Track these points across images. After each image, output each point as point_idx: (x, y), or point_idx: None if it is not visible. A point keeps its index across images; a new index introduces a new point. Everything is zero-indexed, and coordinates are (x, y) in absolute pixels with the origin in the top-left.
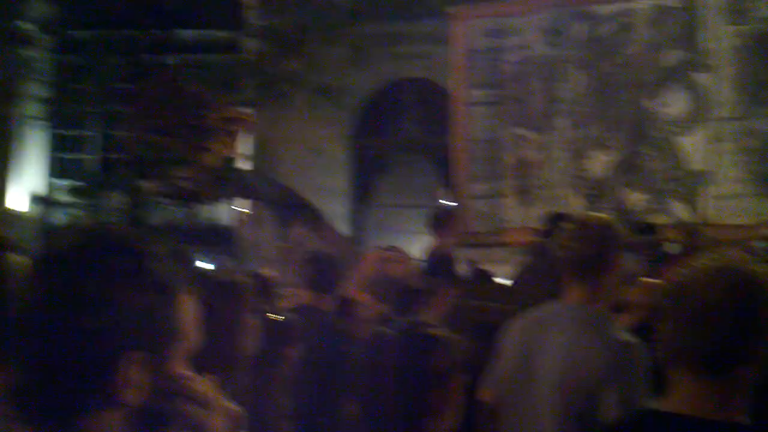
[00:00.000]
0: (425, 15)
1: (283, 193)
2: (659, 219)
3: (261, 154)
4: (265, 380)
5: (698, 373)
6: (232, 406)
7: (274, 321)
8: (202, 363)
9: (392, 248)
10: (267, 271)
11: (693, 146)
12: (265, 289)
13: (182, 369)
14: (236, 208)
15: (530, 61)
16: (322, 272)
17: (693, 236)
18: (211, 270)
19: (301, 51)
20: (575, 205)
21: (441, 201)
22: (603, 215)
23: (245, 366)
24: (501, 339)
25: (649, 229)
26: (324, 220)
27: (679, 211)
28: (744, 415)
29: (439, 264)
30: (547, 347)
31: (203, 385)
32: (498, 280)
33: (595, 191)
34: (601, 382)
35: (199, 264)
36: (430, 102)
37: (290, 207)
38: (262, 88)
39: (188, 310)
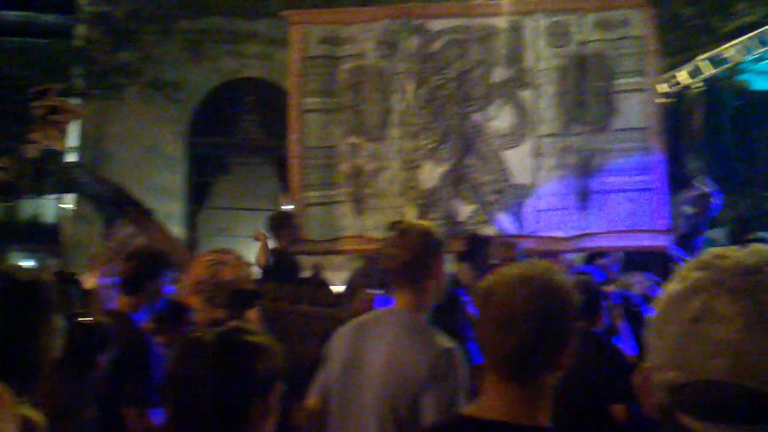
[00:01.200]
0: (265, 14)
1: (110, 190)
2: (487, 230)
3: (89, 148)
4: (71, 387)
5: (505, 379)
6: (31, 414)
7: (84, 324)
8: None
9: (225, 251)
10: (87, 272)
11: (518, 160)
12: (71, 290)
13: None
14: (61, 205)
15: (364, 70)
16: (141, 273)
17: (511, 248)
18: (7, 268)
19: (135, 41)
20: (408, 214)
21: (282, 206)
22: (424, 223)
23: (48, 372)
24: (328, 346)
25: (481, 240)
26: (154, 220)
27: (505, 222)
28: (548, 420)
29: (279, 267)
30: (371, 353)
31: None
32: (334, 287)
33: (427, 201)
34: (422, 388)
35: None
36: (271, 103)
37: (117, 204)
38: (92, 78)
39: None
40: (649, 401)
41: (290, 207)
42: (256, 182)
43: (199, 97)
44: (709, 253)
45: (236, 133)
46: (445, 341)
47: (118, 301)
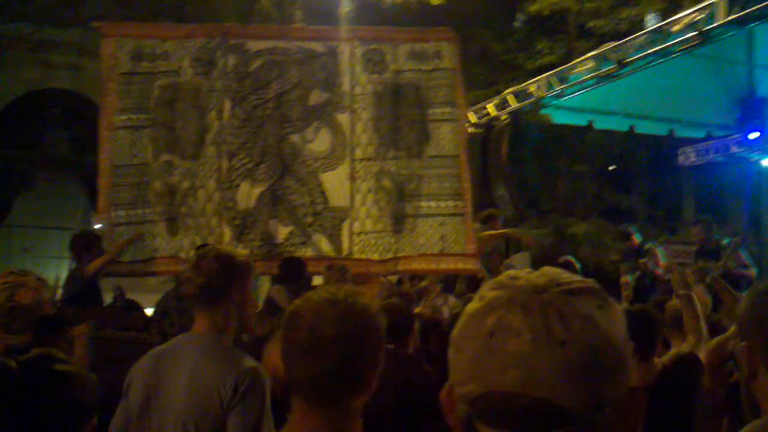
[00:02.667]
0: (75, 24)
1: None
2: (305, 252)
3: None
4: None
5: (310, 402)
6: None
7: None
8: None
9: (23, 273)
10: None
11: (335, 183)
12: None
13: None
14: None
15: (179, 87)
16: None
17: (341, 272)
18: None
19: None
20: (225, 235)
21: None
22: (225, 247)
23: None
24: (130, 373)
25: (296, 262)
26: None
27: (323, 245)
28: None
29: (79, 290)
30: (172, 380)
31: None
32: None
33: (244, 222)
34: (226, 409)
35: None
36: (81, 116)
37: None
38: None
39: None
40: (454, 417)
41: (99, 227)
42: (63, 199)
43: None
44: (505, 275)
45: (41, 146)
46: (248, 361)
47: None
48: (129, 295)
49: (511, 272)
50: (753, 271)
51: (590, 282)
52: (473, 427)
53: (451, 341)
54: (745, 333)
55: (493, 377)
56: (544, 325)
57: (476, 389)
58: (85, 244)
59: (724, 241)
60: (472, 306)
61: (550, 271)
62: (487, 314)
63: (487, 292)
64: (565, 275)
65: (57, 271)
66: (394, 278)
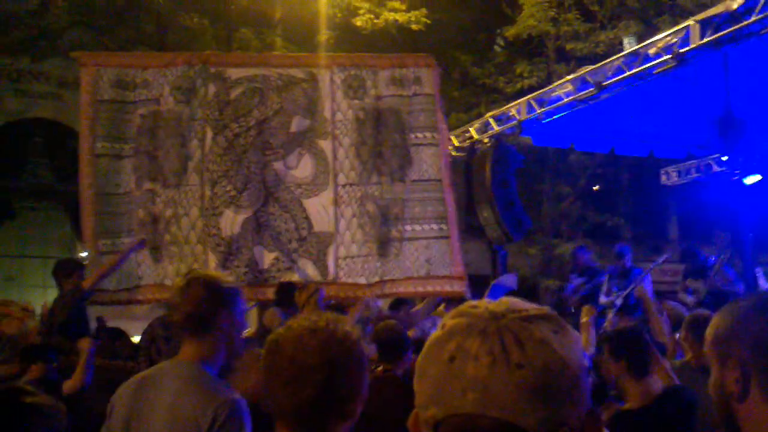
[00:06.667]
0: (55, 55)
1: None
2: (291, 277)
3: None
4: None
5: (293, 430)
6: None
7: None
8: None
9: (8, 302)
10: None
11: (319, 208)
12: None
13: None
14: None
15: (160, 116)
16: None
17: (312, 295)
18: None
19: None
20: (210, 262)
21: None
22: (212, 273)
23: None
24: (113, 397)
25: (290, 287)
26: None
27: (309, 270)
28: None
29: (78, 307)
30: (153, 407)
31: None
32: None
33: (229, 249)
34: None
35: None
36: (62, 145)
37: None
38: None
39: None
40: None
41: (85, 254)
42: (47, 228)
43: None
44: (466, 304)
45: (24, 175)
46: (229, 392)
47: None
48: (114, 323)
49: (472, 302)
50: (738, 288)
51: (546, 309)
52: None
53: (416, 368)
54: (731, 351)
55: (454, 400)
56: (501, 348)
57: (438, 413)
58: (67, 272)
59: (711, 259)
60: (435, 334)
61: (508, 299)
62: (448, 340)
63: (448, 320)
64: (522, 304)
65: (42, 300)
66: (384, 305)
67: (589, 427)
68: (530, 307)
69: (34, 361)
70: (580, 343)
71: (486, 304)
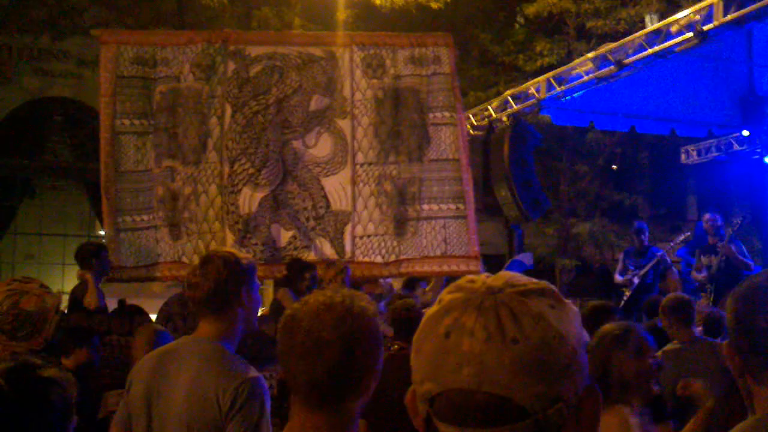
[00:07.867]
0: (74, 33)
1: None
2: (308, 256)
3: None
4: None
5: (309, 405)
6: None
7: None
8: None
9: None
10: None
11: (337, 187)
12: None
13: None
14: None
15: (180, 93)
16: None
17: (339, 273)
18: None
19: None
20: (228, 240)
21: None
22: (230, 250)
23: None
24: (132, 371)
25: (301, 265)
26: None
27: (326, 249)
28: None
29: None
30: (173, 383)
31: None
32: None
33: (246, 227)
34: (224, 418)
35: None
36: (82, 124)
37: None
38: None
39: None
40: (419, 419)
41: (103, 234)
42: (67, 206)
43: (1, 116)
44: (463, 278)
45: (44, 154)
46: (249, 371)
47: None
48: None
49: (470, 276)
50: (750, 264)
51: (544, 284)
52: (433, 426)
53: (413, 343)
54: (730, 332)
55: (449, 375)
56: (497, 323)
57: (434, 388)
58: (90, 255)
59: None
60: (432, 309)
61: (505, 274)
62: (444, 315)
63: (445, 295)
64: (520, 278)
65: (61, 278)
66: (397, 284)
67: (587, 404)
68: (528, 281)
69: (79, 345)
70: (579, 317)
71: (484, 278)
